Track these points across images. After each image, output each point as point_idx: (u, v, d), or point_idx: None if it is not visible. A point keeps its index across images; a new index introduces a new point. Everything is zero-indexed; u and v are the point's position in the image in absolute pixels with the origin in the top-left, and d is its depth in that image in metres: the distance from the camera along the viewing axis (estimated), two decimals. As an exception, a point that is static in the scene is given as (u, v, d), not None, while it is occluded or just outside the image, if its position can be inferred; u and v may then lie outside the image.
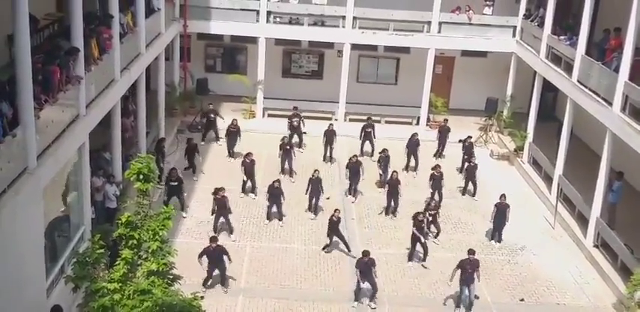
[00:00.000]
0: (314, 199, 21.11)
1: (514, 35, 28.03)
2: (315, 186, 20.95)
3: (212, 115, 26.10)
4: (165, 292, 11.77)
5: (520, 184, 24.85)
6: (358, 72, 30.54)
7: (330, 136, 25.01)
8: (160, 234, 11.99)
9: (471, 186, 23.17)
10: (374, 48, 29.96)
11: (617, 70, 19.25)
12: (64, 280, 12.67)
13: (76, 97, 15.91)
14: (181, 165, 23.25)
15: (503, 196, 20.00)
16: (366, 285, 16.70)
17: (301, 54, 30.96)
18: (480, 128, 28.42)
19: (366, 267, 16.56)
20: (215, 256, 16.80)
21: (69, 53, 15.49)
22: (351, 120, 28.81)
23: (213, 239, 17.16)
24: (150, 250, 11.94)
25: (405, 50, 29.63)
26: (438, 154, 25.97)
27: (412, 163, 24.77)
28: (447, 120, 26.09)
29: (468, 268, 16.45)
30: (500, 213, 19.83)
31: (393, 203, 21.28)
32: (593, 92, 20.58)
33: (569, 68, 22.51)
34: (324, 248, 19.17)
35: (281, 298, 16.95)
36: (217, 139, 26.00)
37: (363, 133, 25.72)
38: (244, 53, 30.71)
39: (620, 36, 19.94)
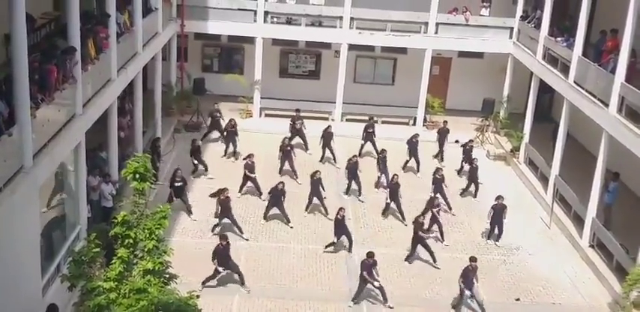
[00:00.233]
0: (315, 200, 21.10)
1: (511, 36, 28.08)
2: (315, 187, 20.95)
3: (217, 115, 26.11)
4: (161, 291, 11.78)
5: (516, 184, 24.91)
6: (355, 72, 30.56)
7: (328, 137, 25.01)
8: (156, 233, 12.00)
9: (472, 187, 23.20)
10: (371, 48, 30.00)
11: (613, 71, 19.30)
12: (59, 278, 12.67)
13: (72, 97, 15.92)
14: (179, 165, 23.24)
15: (500, 197, 20.04)
16: (371, 286, 16.76)
17: (298, 54, 30.98)
18: (476, 129, 28.46)
19: (369, 268, 16.61)
20: (225, 254, 16.80)
21: (66, 52, 15.49)
22: (348, 120, 28.83)
23: (223, 237, 17.23)
24: (146, 249, 11.95)
25: (402, 51, 29.67)
26: (440, 156, 25.88)
27: (413, 164, 24.76)
28: (446, 122, 26.10)
29: (471, 275, 16.55)
30: (497, 214, 19.88)
31: (396, 207, 21.22)
32: (590, 93, 20.64)
33: (565, 69, 22.56)
34: (327, 246, 19.16)
35: (277, 297, 16.97)
36: (223, 137, 25.91)
37: (365, 134, 25.74)
38: (241, 53, 30.73)
39: (617, 37, 20.01)
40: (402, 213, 21.19)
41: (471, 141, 25.21)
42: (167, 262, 12.14)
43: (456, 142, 26.27)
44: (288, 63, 30.99)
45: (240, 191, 21.94)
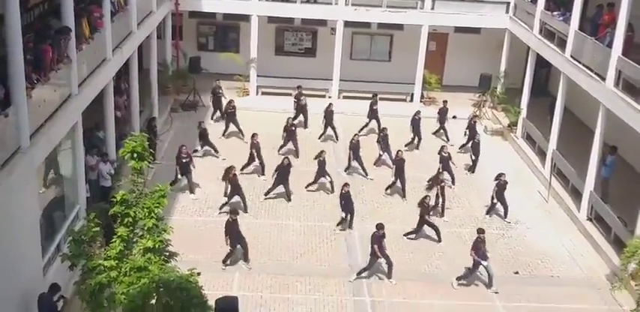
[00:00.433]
0: (321, 179, 21.14)
1: (507, 11, 27.92)
2: (322, 166, 20.99)
3: (219, 92, 26.02)
4: (161, 268, 11.89)
5: (514, 159, 24.96)
6: (352, 49, 30.42)
7: (329, 115, 24.97)
8: (156, 212, 12.10)
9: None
10: (367, 25, 29.84)
11: (610, 45, 19.22)
12: (60, 258, 12.76)
13: (67, 76, 15.86)
14: (177, 144, 23.20)
15: (502, 174, 20.06)
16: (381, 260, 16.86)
17: (294, 32, 30.81)
18: (473, 104, 28.42)
19: (379, 240, 16.69)
20: (235, 229, 16.89)
21: (60, 32, 15.40)
22: (345, 97, 28.77)
23: (233, 211, 17.39)
24: (146, 228, 12.06)
25: (399, 27, 29.51)
26: (445, 135, 25.60)
27: (410, 139, 24.77)
28: (446, 101, 25.95)
29: (482, 247, 16.63)
30: (501, 190, 19.90)
31: (399, 183, 21.23)
32: (587, 67, 20.58)
33: (562, 44, 22.48)
34: (338, 224, 19.23)
35: (277, 273, 17.08)
36: (223, 117, 25.83)
37: (370, 111, 25.69)
38: (237, 31, 30.54)
39: (614, 11, 19.91)
40: (404, 190, 21.23)
41: (475, 116, 25.17)
42: (167, 241, 12.25)
43: (454, 117, 26.24)
44: (284, 41, 30.83)
45: (242, 170, 21.88)
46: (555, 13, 23.78)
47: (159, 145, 23.01)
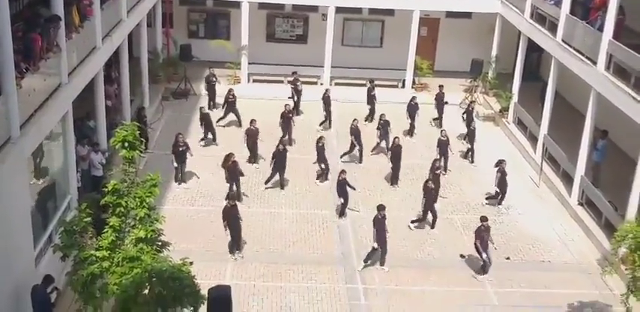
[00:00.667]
0: (323, 166, 21.16)
1: (498, -5, 27.88)
2: (321, 153, 20.97)
3: (213, 79, 25.93)
4: (154, 258, 11.92)
5: (505, 144, 25.02)
6: (343, 35, 30.32)
7: (327, 101, 24.91)
8: (147, 201, 12.10)
9: (463, 149, 23.29)
10: (358, 11, 29.73)
11: (601, 28, 19.22)
12: (52, 249, 12.75)
13: (57, 65, 15.77)
14: (168, 133, 23.22)
15: (503, 161, 20.07)
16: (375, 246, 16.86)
17: (285, 18, 30.67)
18: (465, 90, 28.40)
19: (381, 224, 16.69)
20: (232, 215, 16.93)
21: (49, 21, 15.28)
22: (337, 84, 28.70)
23: (231, 197, 17.48)
24: (137, 218, 12.06)
25: (390, 12, 29.41)
26: (439, 122, 25.63)
27: (407, 127, 24.80)
28: (442, 86, 25.90)
29: (485, 236, 16.69)
30: (503, 177, 19.89)
31: (392, 170, 21.23)
32: (578, 51, 20.58)
33: (553, 28, 22.45)
34: (340, 215, 19.26)
35: (270, 262, 17.13)
36: (214, 106, 25.70)
37: (368, 97, 25.69)
38: (227, 18, 30.38)
39: (605, -6, 19.85)
40: (396, 177, 21.25)
41: (472, 102, 25.18)
42: (159, 230, 12.27)
43: (446, 103, 26.20)
44: (275, 27, 30.69)
45: (253, 162, 21.86)
46: (547, -4, 23.72)
47: (150, 133, 22.95)
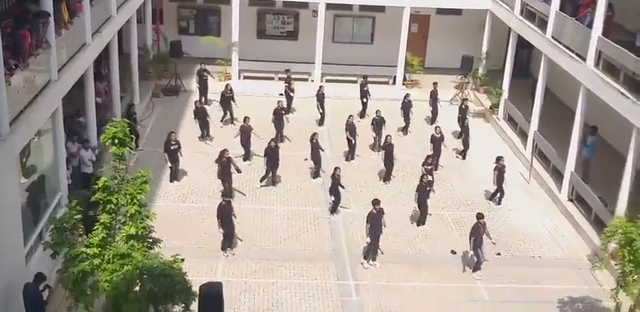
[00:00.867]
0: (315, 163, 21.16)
1: (489, -8, 27.92)
2: (315, 150, 20.95)
3: (205, 75, 25.85)
4: (145, 255, 11.91)
5: (496, 140, 25.09)
6: (334, 32, 30.30)
7: (321, 98, 24.91)
8: (138, 198, 12.08)
9: (455, 146, 23.36)
10: (349, 7, 29.69)
11: (590, 25, 19.28)
12: (42, 246, 12.70)
13: (47, 62, 15.70)
14: (159, 129, 23.17)
15: (501, 158, 20.08)
16: (368, 239, 16.85)
17: (276, 15, 30.61)
18: (455, 86, 28.46)
19: (375, 219, 16.67)
20: (226, 212, 16.91)
21: (39, 17, 15.20)
22: (327, 81, 28.68)
23: (225, 195, 17.51)
24: (128, 215, 12.04)
25: (381, 9, 29.41)
26: (433, 119, 25.69)
27: (402, 124, 24.81)
28: (436, 83, 25.86)
29: (481, 232, 16.73)
30: (501, 174, 19.91)
31: (386, 168, 21.22)
32: (567, 48, 20.65)
33: (543, 24, 22.51)
34: (333, 210, 19.29)
35: (261, 258, 17.13)
36: (206, 101, 25.62)
37: (361, 92, 25.70)
38: (218, 14, 30.29)
39: (594, -9, 19.92)
40: (388, 174, 21.26)
41: (465, 100, 25.21)
42: (150, 227, 12.25)
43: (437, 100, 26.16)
44: (265, 24, 30.63)
45: (246, 160, 21.85)
46: (536, -7, 23.77)
47: (141, 130, 22.89)
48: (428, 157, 20.62)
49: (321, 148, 21.19)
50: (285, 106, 24.09)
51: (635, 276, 13.83)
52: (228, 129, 24.05)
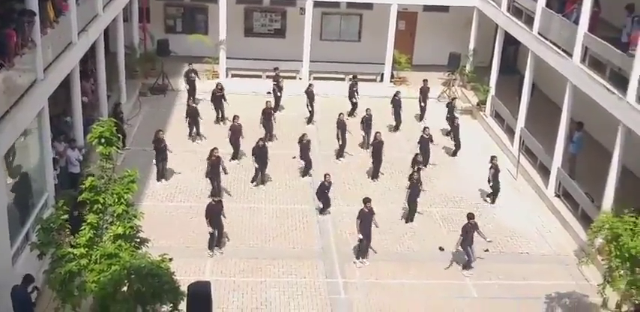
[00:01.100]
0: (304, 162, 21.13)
1: (475, -11, 27.98)
2: (304, 150, 20.93)
3: (193, 75, 25.77)
4: (132, 255, 11.86)
5: (483, 137, 25.16)
6: (321, 30, 30.29)
7: (311, 96, 24.88)
8: (125, 197, 12.04)
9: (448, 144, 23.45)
10: (336, 5, 29.72)
11: (576, 21, 19.36)
12: (29, 247, 12.65)
13: (32, 61, 15.62)
14: (146, 128, 23.09)
15: (495, 157, 20.12)
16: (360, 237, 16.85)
17: (263, 12, 30.57)
18: (443, 83, 28.51)
19: (366, 217, 16.68)
20: (215, 212, 16.87)
21: (22, 14, 15.11)
22: (315, 78, 28.67)
23: (214, 194, 17.49)
24: (115, 214, 11.99)
25: (368, 6, 29.41)
26: (422, 116, 25.75)
27: (392, 121, 24.82)
28: (426, 80, 25.89)
29: (471, 232, 16.77)
30: (497, 173, 19.92)
31: (374, 165, 21.24)
32: (554, 44, 20.72)
33: (529, 21, 22.58)
34: (322, 212, 19.28)
35: (250, 257, 17.12)
36: (194, 101, 25.50)
37: (350, 91, 25.69)
38: (205, 13, 30.22)
39: (580, -13, 20.00)
40: (376, 172, 21.29)
41: (454, 99, 25.27)
42: (137, 227, 12.22)
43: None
44: (253, 22, 30.59)
45: (234, 159, 21.81)
46: (523, -10, 23.83)
47: (128, 129, 22.81)
48: (416, 154, 20.64)
49: (309, 149, 21.13)
50: (273, 105, 24.04)
51: (622, 271, 13.92)
52: (218, 128, 23.99)
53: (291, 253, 17.49)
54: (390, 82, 28.98)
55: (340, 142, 22.37)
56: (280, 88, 25.81)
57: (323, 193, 18.89)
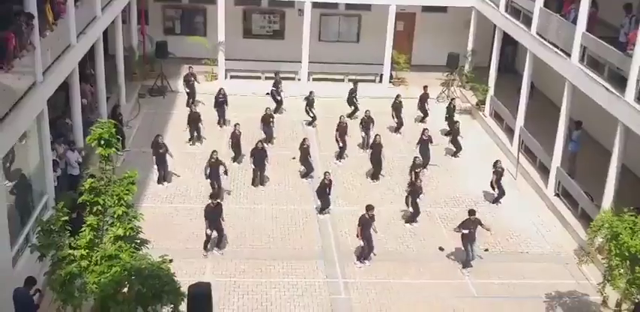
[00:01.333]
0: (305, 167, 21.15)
1: (473, -11, 28.01)
2: (304, 154, 20.90)
3: (192, 79, 25.78)
4: (133, 256, 11.85)
5: (482, 137, 25.19)
6: (320, 31, 30.32)
7: (311, 103, 24.88)
8: (125, 199, 12.03)
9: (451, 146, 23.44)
10: (335, 6, 29.73)
11: (574, 21, 19.39)
12: (29, 249, 12.65)
13: (32, 64, 15.63)
14: (145, 130, 23.10)
15: (499, 161, 20.13)
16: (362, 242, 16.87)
17: (262, 14, 30.60)
18: (442, 83, 28.53)
19: (367, 223, 16.70)
20: (214, 214, 16.88)
21: (23, 19, 15.13)
22: (314, 79, 28.69)
23: (213, 196, 17.40)
24: (115, 216, 11.98)
25: (366, 7, 29.43)
26: (423, 120, 25.79)
27: (393, 123, 24.84)
28: (426, 87, 25.86)
29: (471, 228, 16.78)
30: (499, 177, 19.90)
31: (373, 166, 21.23)
32: (552, 44, 20.75)
33: (528, 21, 22.61)
34: (321, 211, 19.28)
35: (250, 258, 17.13)
36: (194, 102, 25.45)
37: (349, 98, 25.66)
38: (203, 14, 30.24)
39: (577, -13, 20.03)
40: (376, 173, 21.30)
41: (453, 99, 25.28)
42: (137, 228, 12.21)
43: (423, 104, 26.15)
44: (251, 23, 30.62)
45: (235, 161, 21.81)
46: (521, -10, 23.86)
47: (127, 131, 22.83)
48: (415, 158, 20.65)
49: (309, 154, 21.12)
50: (272, 112, 23.99)
51: (622, 270, 13.94)
52: (219, 131, 23.99)
53: (292, 253, 17.51)
54: (390, 82, 29.00)
55: (340, 145, 22.36)
56: (279, 93, 25.78)
57: (323, 191, 18.90)
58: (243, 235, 18.18)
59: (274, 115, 23.84)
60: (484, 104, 26.53)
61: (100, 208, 11.98)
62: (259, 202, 19.92)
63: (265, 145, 21.19)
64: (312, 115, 25.01)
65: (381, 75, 29.13)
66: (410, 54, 30.38)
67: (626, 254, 13.54)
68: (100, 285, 11.39)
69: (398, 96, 24.96)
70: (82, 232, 11.88)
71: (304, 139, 21.13)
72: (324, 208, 19.20)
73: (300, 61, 28.53)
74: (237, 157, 21.81)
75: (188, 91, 25.85)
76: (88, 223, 11.92)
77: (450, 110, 24.54)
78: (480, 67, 28.22)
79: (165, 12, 30.36)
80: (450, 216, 19.37)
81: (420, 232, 18.72)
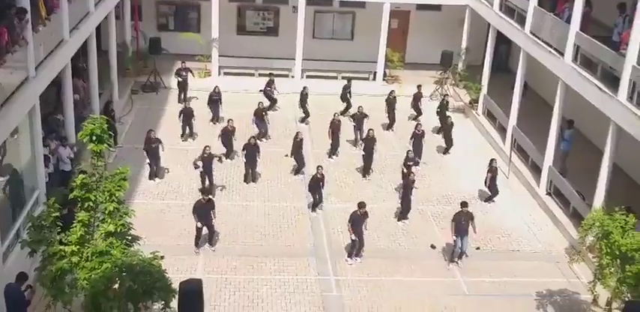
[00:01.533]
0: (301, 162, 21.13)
1: (468, -12, 28.02)
2: (297, 148, 20.89)
3: (184, 74, 25.70)
4: (124, 252, 11.84)
5: (475, 135, 25.22)
6: (314, 28, 30.29)
7: (304, 98, 24.84)
8: (117, 195, 12.01)
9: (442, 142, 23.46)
10: (329, 3, 29.74)
11: (568, 20, 19.42)
12: (20, 244, 12.60)
13: (24, 59, 15.56)
14: (138, 126, 23.03)
15: (494, 160, 20.15)
16: (353, 237, 16.85)
17: (256, 10, 30.54)
18: (435, 82, 28.53)
19: (358, 219, 16.71)
20: (205, 210, 16.84)
21: (15, 13, 15.06)
22: (308, 77, 28.67)
23: (205, 192, 17.35)
24: (107, 212, 11.96)
25: (361, 5, 29.42)
26: (417, 118, 25.76)
27: (386, 120, 24.85)
28: (420, 86, 25.88)
29: (462, 221, 16.81)
30: (494, 177, 19.94)
31: (364, 161, 21.26)
32: (546, 43, 20.79)
33: (522, 20, 22.64)
34: (314, 208, 19.25)
35: (242, 255, 17.12)
36: (185, 100, 25.40)
37: (342, 95, 25.66)
38: (197, 11, 30.17)
39: (571, -14, 20.06)
40: (367, 169, 21.31)
41: (446, 95, 25.26)
42: (129, 224, 12.19)
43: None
44: (245, 20, 30.56)
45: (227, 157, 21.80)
46: (514, -11, 23.88)
47: (119, 127, 22.77)
48: (408, 151, 20.68)
49: (302, 147, 21.12)
50: (265, 107, 23.95)
51: (612, 268, 14.01)
52: (212, 128, 23.94)
53: (283, 250, 17.51)
54: (383, 80, 29.00)
55: (332, 142, 22.35)
56: (272, 93, 25.73)
57: (316, 185, 18.88)
58: (235, 231, 18.17)
59: (267, 112, 23.81)
60: (477, 103, 26.57)
61: (91, 204, 11.95)
62: (251, 199, 19.90)
63: (258, 141, 21.17)
64: (305, 111, 25.00)
65: (375, 73, 29.13)
66: (404, 52, 30.39)
67: (617, 253, 13.61)
68: (91, 281, 11.38)
69: (392, 91, 24.96)
70: (73, 228, 11.85)
71: (298, 133, 21.12)
72: (316, 203, 19.17)
73: (294, 59, 28.50)
74: (229, 153, 21.78)
75: (180, 80, 25.68)
76: (79, 219, 11.89)
77: (443, 106, 24.54)
78: (473, 66, 28.24)
79: (159, 8, 30.27)
80: (442, 214, 19.40)
81: (411, 230, 18.74)
